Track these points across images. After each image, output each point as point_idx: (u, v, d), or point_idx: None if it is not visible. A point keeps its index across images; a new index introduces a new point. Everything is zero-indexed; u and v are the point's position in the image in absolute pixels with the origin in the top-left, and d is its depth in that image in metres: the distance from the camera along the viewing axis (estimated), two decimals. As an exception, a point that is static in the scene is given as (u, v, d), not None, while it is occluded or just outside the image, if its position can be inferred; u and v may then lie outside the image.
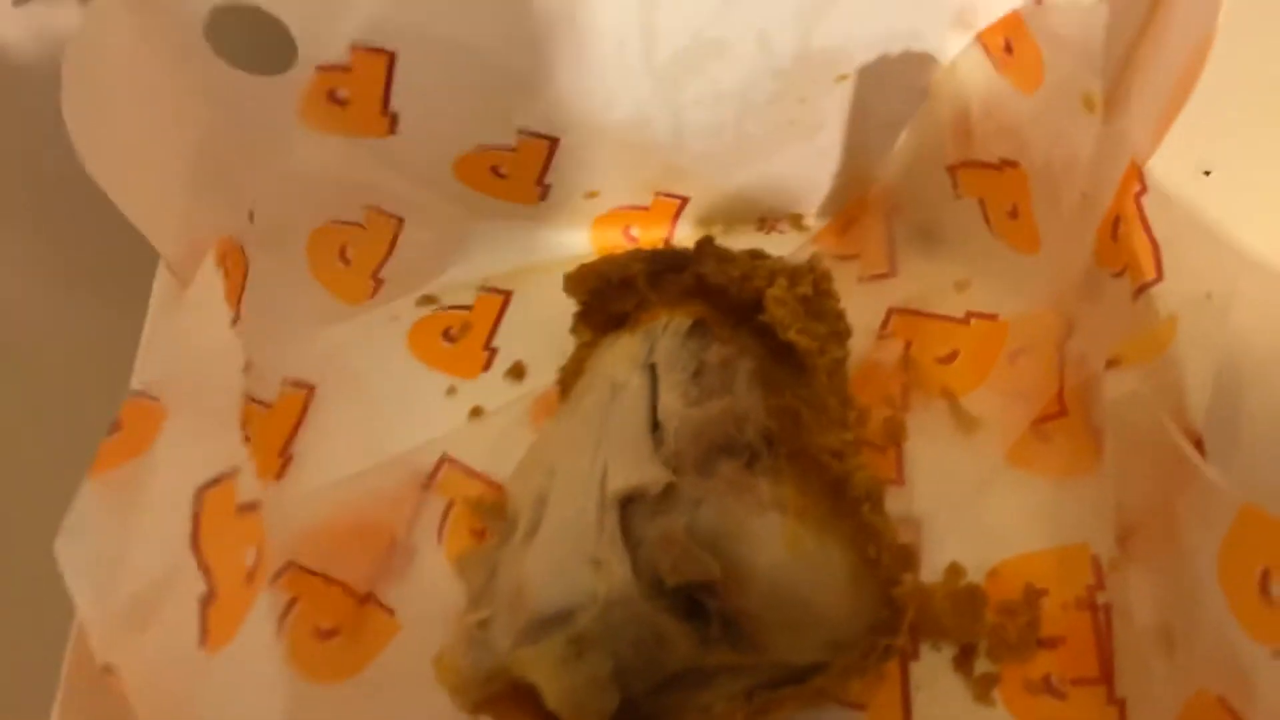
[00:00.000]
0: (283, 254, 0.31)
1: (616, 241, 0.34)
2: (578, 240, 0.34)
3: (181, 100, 0.26)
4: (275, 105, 0.27)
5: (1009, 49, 0.25)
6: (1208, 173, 0.32)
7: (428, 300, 0.33)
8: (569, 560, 0.23)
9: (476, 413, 0.30)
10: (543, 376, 0.31)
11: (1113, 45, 0.24)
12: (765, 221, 0.33)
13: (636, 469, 0.24)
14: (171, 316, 0.26)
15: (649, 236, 0.34)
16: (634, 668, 0.22)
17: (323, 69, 0.27)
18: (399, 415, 0.30)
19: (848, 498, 0.23)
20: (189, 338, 0.24)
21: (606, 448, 0.25)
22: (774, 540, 0.22)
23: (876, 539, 0.22)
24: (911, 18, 0.26)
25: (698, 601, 0.22)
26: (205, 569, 0.19)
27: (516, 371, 0.31)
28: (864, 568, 0.22)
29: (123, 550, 0.21)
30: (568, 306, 0.31)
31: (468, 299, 0.33)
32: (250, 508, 0.19)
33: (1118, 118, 0.24)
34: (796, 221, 0.33)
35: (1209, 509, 0.19)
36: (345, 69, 0.27)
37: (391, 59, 0.27)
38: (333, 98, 0.28)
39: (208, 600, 0.18)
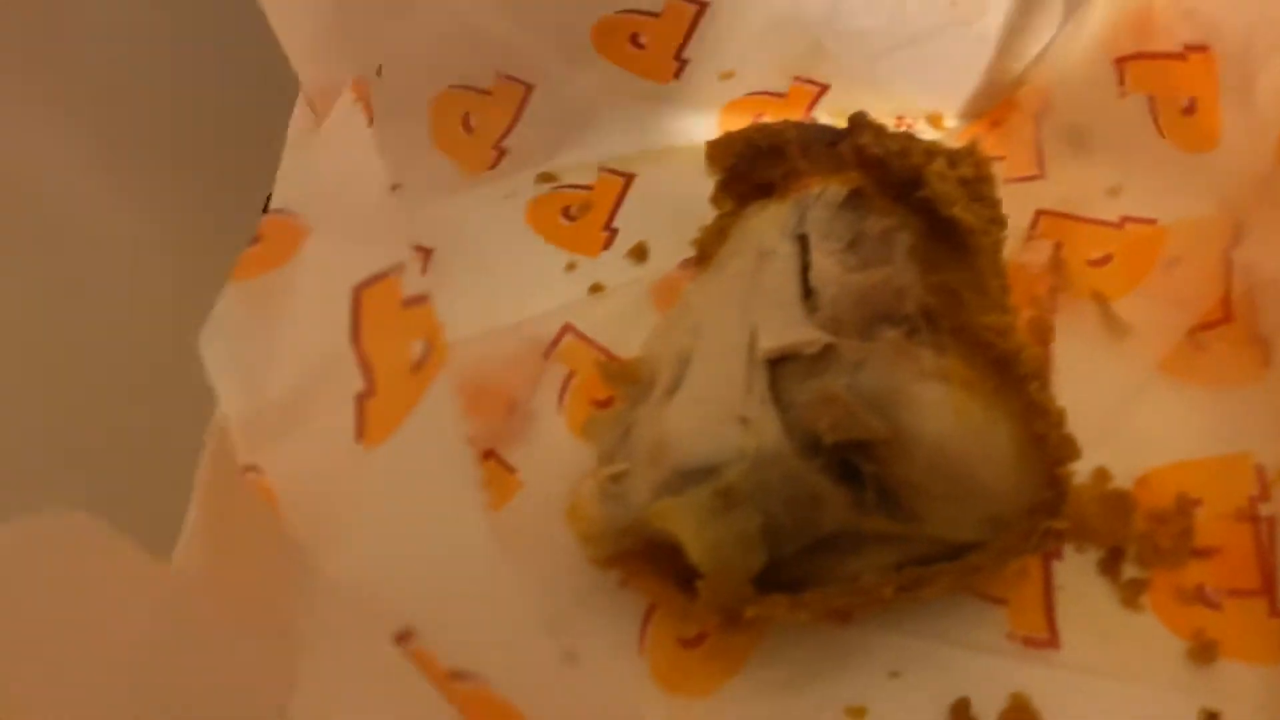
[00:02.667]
0: (406, 117, 0.30)
1: (745, 131, 0.32)
2: (704, 126, 0.32)
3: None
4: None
5: (1219, -85, 0.24)
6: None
7: (546, 178, 0.32)
8: (715, 417, 0.22)
9: (597, 289, 0.29)
10: (665, 259, 0.30)
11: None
12: (901, 119, 0.32)
13: (790, 330, 0.23)
14: (309, 144, 0.25)
15: (779, 128, 0.32)
16: (784, 527, 0.21)
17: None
18: (518, 285, 0.30)
19: (1014, 375, 0.22)
20: (330, 158, 0.23)
21: (755, 310, 0.23)
22: (941, 407, 0.21)
23: (1045, 416, 0.21)
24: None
25: (853, 465, 0.21)
26: (364, 364, 0.18)
27: (638, 252, 0.30)
28: (1031, 445, 0.21)
29: (267, 353, 0.20)
30: (690, 191, 0.30)
31: (588, 179, 0.32)
32: (418, 300, 0.18)
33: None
34: (936, 121, 0.32)
35: None
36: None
37: (549, -102, 0.26)
38: (480, -60, 0.27)
39: (365, 395, 0.18)
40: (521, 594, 0.13)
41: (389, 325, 0.18)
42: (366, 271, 0.19)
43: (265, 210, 0.33)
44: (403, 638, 0.15)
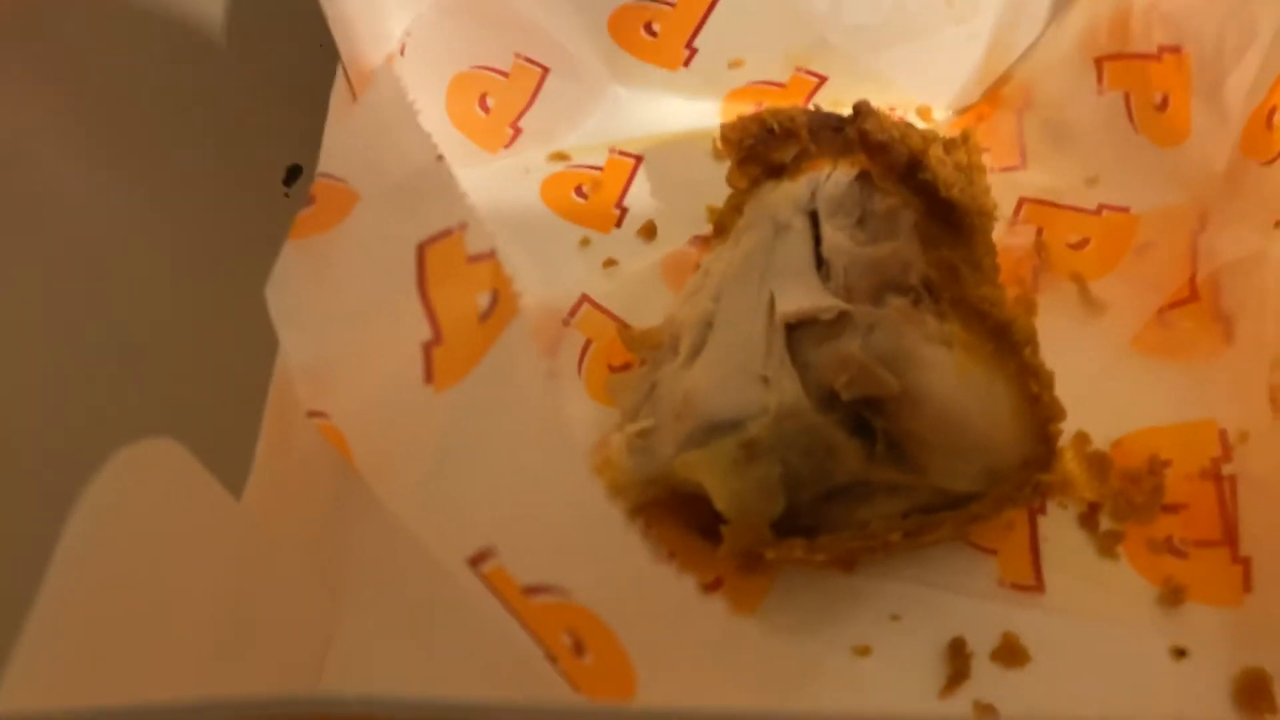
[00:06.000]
0: (423, 95, 0.31)
1: (746, 119, 0.34)
2: (707, 112, 0.34)
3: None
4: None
5: (1195, -70, 0.26)
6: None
7: (559, 157, 0.33)
8: (738, 376, 0.24)
9: (610, 264, 0.31)
10: (672, 237, 0.32)
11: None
12: (893, 110, 0.34)
13: (807, 297, 0.24)
14: (350, 114, 0.26)
15: (779, 117, 0.34)
16: (802, 476, 0.23)
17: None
18: (535, 259, 0.31)
19: (1010, 340, 0.24)
20: (372, 128, 0.24)
21: (771, 279, 0.25)
22: (945, 368, 0.23)
23: (1037, 378, 0.23)
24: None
25: (865, 420, 0.23)
26: (430, 315, 0.19)
27: (647, 231, 0.32)
28: (1025, 404, 0.23)
29: (328, 307, 0.21)
30: (695, 175, 0.33)
31: (598, 160, 0.33)
32: (485, 257, 0.19)
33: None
34: (925, 113, 0.34)
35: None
36: (532, -104, 0.27)
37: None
38: (510, -73, 0.28)
39: (432, 344, 0.19)
40: (611, 505, 0.15)
41: (455, 279, 0.19)
42: (428, 230, 0.20)
43: (285, 180, 0.34)
44: (478, 559, 0.17)
